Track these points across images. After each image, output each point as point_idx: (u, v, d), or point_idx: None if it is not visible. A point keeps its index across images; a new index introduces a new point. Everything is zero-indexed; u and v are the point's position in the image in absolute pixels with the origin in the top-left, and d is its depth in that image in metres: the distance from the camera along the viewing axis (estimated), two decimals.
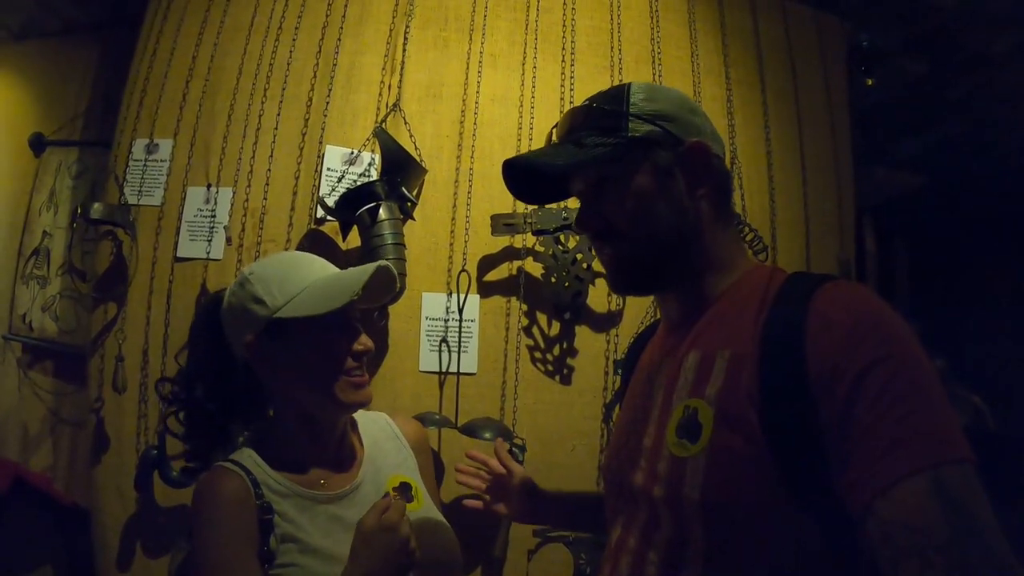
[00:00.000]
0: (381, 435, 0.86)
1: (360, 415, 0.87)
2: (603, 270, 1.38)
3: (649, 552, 0.56)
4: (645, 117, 0.62)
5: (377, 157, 1.43)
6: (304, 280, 0.75)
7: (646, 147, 0.61)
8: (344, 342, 0.75)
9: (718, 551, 0.52)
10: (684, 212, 0.61)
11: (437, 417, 1.30)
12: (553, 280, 1.36)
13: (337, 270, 0.80)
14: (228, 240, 1.43)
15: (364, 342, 0.77)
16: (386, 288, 0.81)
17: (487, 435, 1.27)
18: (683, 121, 0.63)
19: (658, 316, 0.74)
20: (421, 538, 0.73)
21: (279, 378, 0.77)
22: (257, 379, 0.78)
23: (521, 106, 1.48)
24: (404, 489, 0.80)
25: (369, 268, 0.76)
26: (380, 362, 1.36)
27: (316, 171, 1.45)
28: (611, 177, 0.62)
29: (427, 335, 1.37)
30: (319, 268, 0.78)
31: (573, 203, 1.41)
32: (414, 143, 1.43)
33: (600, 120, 0.62)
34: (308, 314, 0.72)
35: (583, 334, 1.41)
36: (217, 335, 0.78)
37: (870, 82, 1.86)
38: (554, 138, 0.71)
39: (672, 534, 0.55)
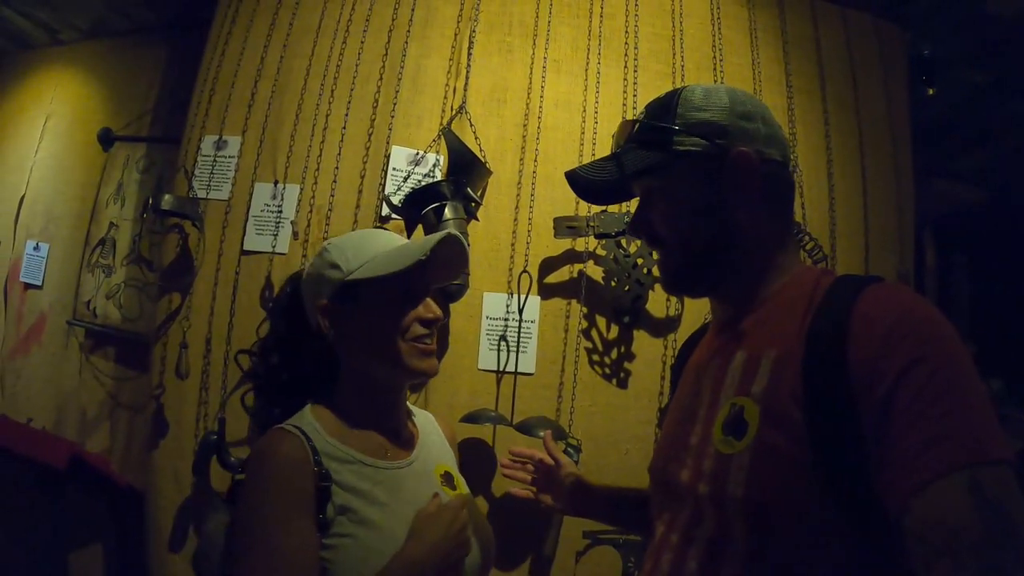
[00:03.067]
0: (429, 427, 0.89)
1: (412, 408, 0.90)
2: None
3: (690, 549, 0.57)
4: (692, 130, 0.62)
5: (442, 158, 1.46)
6: (377, 248, 0.77)
7: (690, 159, 0.62)
8: (412, 307, 0.76)
9: (759, 548, 0.52)
10: (727, 221, 0.62)
11: (493, 414, 1.31)
12: (613, 284, 1.37)
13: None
14: (295, 234, 1.48)
15: (433, 310, 0.78)
16: (457, 261, 0.81)
17: (541, 433, 1.27)
18: (733, 129, 0.62)
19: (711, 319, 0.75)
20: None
21: (349, 342, 0.77)
22: (329, 349, 0.78)
23: (584, 111, 1.50)
24: (448, 479, 0.82)
25: (438, 235, 0.77)
26: (440, 358, 1.39)
27: (382, 170, 1.48)
28: (657, 190, 0.64)
29: (487, 334, 1.39)
30: (392, 239, 0.81)
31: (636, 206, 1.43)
32: (479, 146, 1.46)
33: (646, 135, 0.65)
34: (377, 274, 0.74)
35: (641, 338, 1.42)
36: (296, 307, 0.80)
37: (931, 92, 1.83)
38: (612, 147, 0.73)
39: (714, 531, 0.55)
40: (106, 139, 2.14)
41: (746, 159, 0.61)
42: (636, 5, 1.58)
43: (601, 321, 1.42)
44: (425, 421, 0.89)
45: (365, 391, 0.78)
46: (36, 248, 2.24)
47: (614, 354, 1.41)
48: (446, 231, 0.78)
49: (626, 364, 1.40)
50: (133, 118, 2.16)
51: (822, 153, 1.61)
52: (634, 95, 1.50)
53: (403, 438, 0.81)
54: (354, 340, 0.77)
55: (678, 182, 0.62)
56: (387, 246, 0.78)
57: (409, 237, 1.40)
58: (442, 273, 0.82)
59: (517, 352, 1.37)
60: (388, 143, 1.49)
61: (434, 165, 1.48)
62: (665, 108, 0.64)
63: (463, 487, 0.84)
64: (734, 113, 0.63)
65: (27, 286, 2.25)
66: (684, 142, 0.62)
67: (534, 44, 1.54)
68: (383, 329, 0.75)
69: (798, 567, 0.51)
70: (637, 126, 0.66)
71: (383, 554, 0.68)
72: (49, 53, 2.47)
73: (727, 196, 0.62)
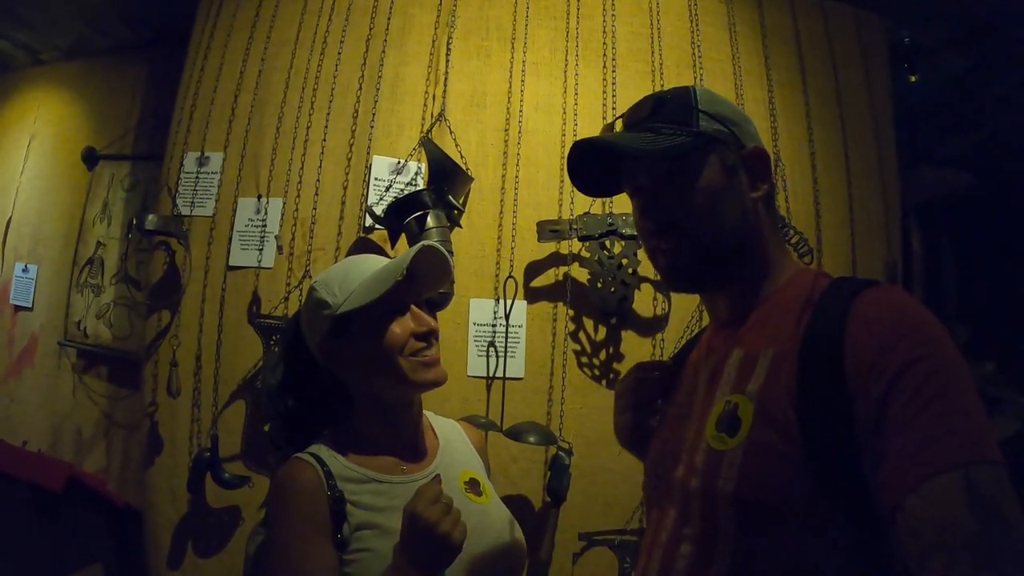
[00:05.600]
0: (453, 435, 0.90)
1: (434, 417, 0.91)
2: (649, 275, 1.40)
3: (681, 545, 0.58)
4: (713, 116, 0.63)
5: (424, 166, 1.46)
6: (361, 276, 0.78)
7: (715, 144, 0.62)
8: (402, 324, 0.78)
9: (748, 544, 0.53)
10: (745, 212, 0.63)
11: (483, 420, 1.31)
12: (599, 285, 1.37)
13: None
14: (279, 249, 1.47)
15: (424, 322, 0.79)
16: (440, 270, 0.82)
17: (532, 439, 1.28)
18: (743, 127, 0.65)
19: (704, 320, 0.74)
20: (488, 530, 0.77)
21: (352, 372, 0.80)
22: (338, 380, 0.81)
23: (564, 113, 1.49)
24: (473, 485, 0.82)
25: (411, 251, 0.78)
26: None
27: (364, 181, 1.48)
28: (681, 170, 0.62)
29: (475, 340, 1.39)
30: (373, 263, 0.81)
31: (619, 208, 1.43)
32: (459, 152, 1.46)
33: (672, 113, 0.63)
34: (360, 304, 0.75)
35: (629, 339, 1.42)
36: (301, 345, 0.83)
37: (913, 79, 1.83)
38: (618, 127, 0.69)
39: (705, 527, 0.56)
40: (90, 158, 2.14)
41: (765, 155, 0.63)
42: (613, 4, 1.58)
43: (588, 323, 1.42)
44: (449, 430, 0.90)
45: (377, 413, 0.80)
46: (25, 270, 2.24)
47: (602, 355, 1.41)
48: (419, 244, 0.79)
49: (615, 365, 1.40)
50: (116, 136, 2.16)
51: (805, 145, 1.61)
52: (613, 95, 1.50)
53: (421, 451, 0.82)
54: (357, 369, 0.79)
55: (707, 167, 0.61)
56: (368, 272, 0.79)
57: (393, 246, 1.41)
58: (428, 284, 0.83)
59: (505, 357, 1.37)
60: (369, 153, 1.49)
61: (416, 173, 1.47)
62: (683, 95, 0.64)
63: (489, 493, 0.84)
64: (739, 114, 0.66)
65: (17, 308, 2.25)
66: (709, 125, 0.62)
67: (512, 48, 1.54)
68: (380, 352, 0.76)
69: (787, 563, 0.52)
70: (661, 103, 0.63)
71: None
72: (30, 74, 2.47)
73: (743, 189, 0.63)
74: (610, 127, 0.68)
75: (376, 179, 1.47)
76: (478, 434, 0.95)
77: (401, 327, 0.77)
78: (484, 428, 1.29)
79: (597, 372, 1.41)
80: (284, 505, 0.73)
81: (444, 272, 0.82)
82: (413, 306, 0.79)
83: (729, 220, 0.61)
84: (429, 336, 0.79)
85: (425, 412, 0.90)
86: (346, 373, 0.80)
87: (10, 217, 2.34)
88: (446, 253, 0.81)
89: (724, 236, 0.61)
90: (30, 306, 2.22)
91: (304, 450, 0.78)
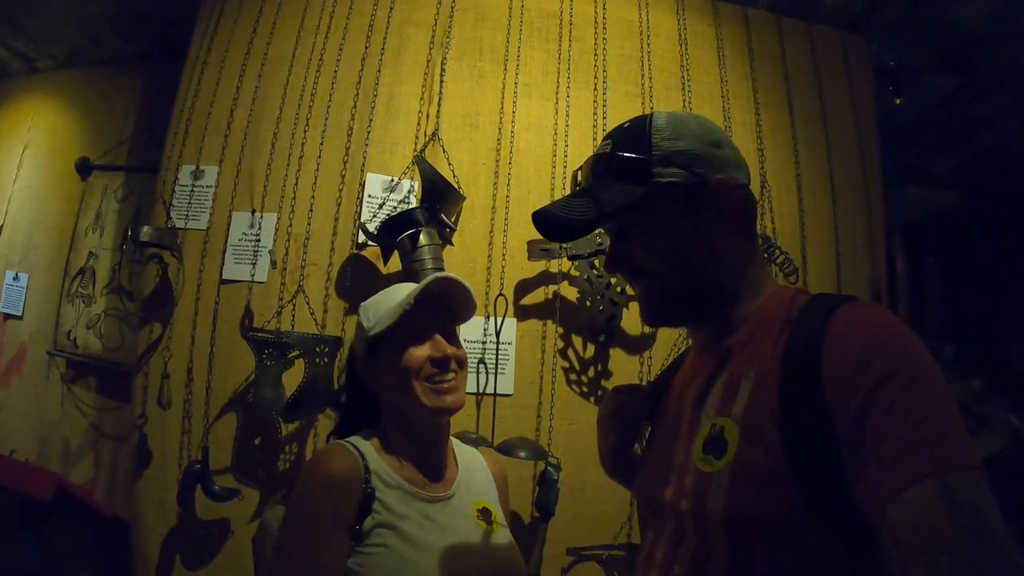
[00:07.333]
0: (473, 464, 0.94)
1: (458, 445, 0.95)
2: (636, 294, 1.42)
3: (675, 566, 0.59)
4: (670, 160, 0.62)
5: (417, 184, 1.48)
6: (393, 302, 0.84)
7: (672, 191, 0.62)
8: (420, 348, 0.83)
9: (741, 564, 0.54)
10: (711, 250, 0.63)
11: (473, 437, 1.32)
12: (588, 304, 1.39)
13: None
14: (273, 263, 1.48)
15: (440, 348, 0.83)
16: (459, 296, 0.86)
17: (522, 454, 1.30)
18: (706, 157, 0.62)
19: (690, 341, 0.75)
20: (492, 555, 0.82)
21: (383, 390, 0.87)
22: (375, 395, 0.88)
23: (555, 133, 1.52)
24: (485, 513, 0.87)
25: (425, 281, 0.84)
26: None
27: (357, 198, 1.50)
28: (636, 224, 0.62)
29: None
30: (407, 290, 0.86)
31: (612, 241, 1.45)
32: (452, 171, 1.48)
33: (625, 168, 0.62)
34: (382, 329, 0.82)
35: (617, 356, 1.44)
36: (353, 363, 0.91)
37: (898, 100, 1.88)
38: (579, 180, 0.69)
39: (697, 547, 0.57)
40: (84, 168, 2.14)
41: (726, 188, 0.62)
42: (604, 28, 1.61)
43: (577, 341, 1.44)
44: (470, 459, 0.94)
45: (405, 432, 0.85)
46: (16, 278, 2.23)
47: (591, 372, 1.43)
48: (433, 276, 0.84)
49: (603, 382, 1.42)
50: (110, 147, 2.16)
51: (791, 167, 1.64)
52: (603, 117, 1.53)
53: (443, 475, 0.87)
54: (386, 388, 0.85)
55: (662, 216, 0.61)
56: (398, 298, 0.84)
57: (385, 263, 1.42)
58: (457, 312, 0.88)
59: (495, 374, 1.39)
60: (363, 170, 1.51)
61: (409, 191, 1.49)
62: (637, 138, 0.63)
63: (499, 523, 0.87)
64: (705, 141, 0.63)
65: (7, 316, 2.24)
66: (663, 173, 0.61)
67: (505, 69, 1.56)
68: (398, 373, 0.82)
69: None
70: (613, 159, 0.63)
71: (415, 565, 0.75)
72: (26, 82, 2.47)
73: (709, 226, 0.62)
74: (574, 181, 0.71)
75: (370, 196, 1.49)
76: (499, 465, 0.98)
77: (420, 351, 0.82)
78: (474, 444, 1.30)
79: (586, 389, 1.42)
80: (313, 487, 0.77)
81: (467, 301, 0.87)
82: (438, 334, 0.84)
83: (695, 262, 0.61)
84: (446, 362, 0.83)
85: (451, 438, 0.94)
86: (379, 390, 0.86)
87: (1, 225, 2.33)
88: (463, 282, 0.85)
89: (692, 279, 0.62)
90: (20, 315, 2.20)
91: (346, 439, 0.83)
